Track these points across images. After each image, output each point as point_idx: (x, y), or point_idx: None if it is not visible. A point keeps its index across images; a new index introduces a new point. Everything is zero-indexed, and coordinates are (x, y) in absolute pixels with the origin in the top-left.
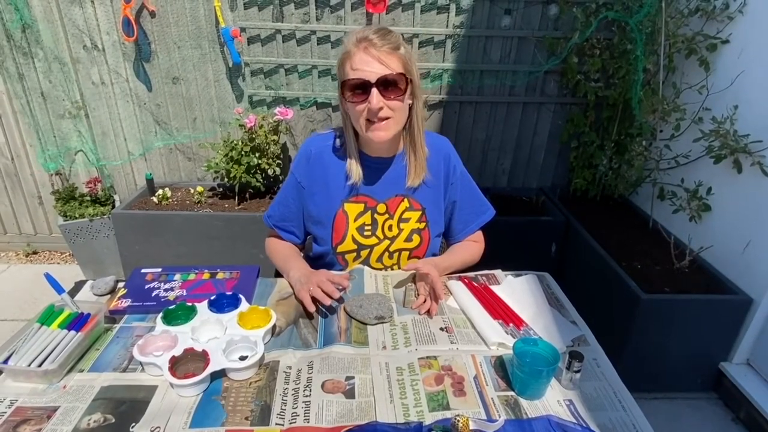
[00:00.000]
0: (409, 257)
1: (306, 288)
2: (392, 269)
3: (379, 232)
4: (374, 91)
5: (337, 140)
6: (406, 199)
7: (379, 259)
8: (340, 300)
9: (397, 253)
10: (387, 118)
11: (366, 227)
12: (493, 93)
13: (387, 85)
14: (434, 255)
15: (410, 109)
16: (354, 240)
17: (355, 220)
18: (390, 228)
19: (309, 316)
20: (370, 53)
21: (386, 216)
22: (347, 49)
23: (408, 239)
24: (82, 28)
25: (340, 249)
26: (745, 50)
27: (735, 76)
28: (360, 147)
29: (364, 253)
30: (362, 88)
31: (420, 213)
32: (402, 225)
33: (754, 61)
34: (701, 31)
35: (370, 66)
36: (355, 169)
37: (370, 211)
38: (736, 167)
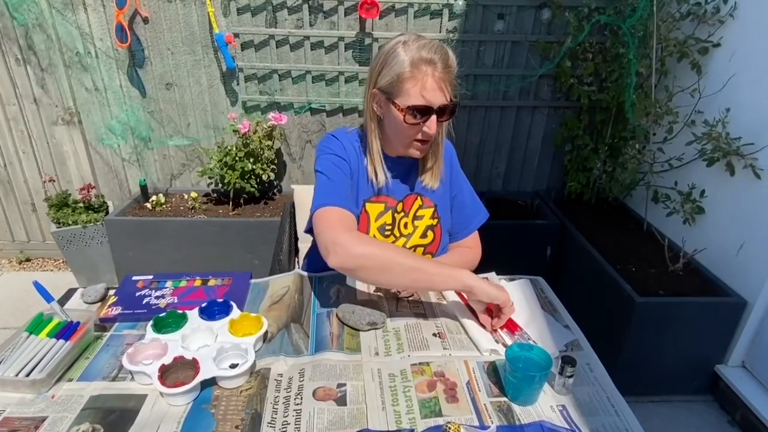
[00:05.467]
0: (423, 254)
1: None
2: None
3: (396, 230)
4: (434, 118)
5: (359, 140)
6: (419, 197)
7: None
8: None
9: (413, 250)
10: (431, 140)
11: (387, 226)
12: (486, 97)
13: (444, 112)
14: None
15: None
16: None
17: (376, 220)
18: (405, 226)
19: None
20: (434, 80)
21: (402, 214)
22: (408, 68)
23: (423, 236)
24: (75, 34)
25: None
26: (736, 53)
27: (726, 79)
28: (382, 147)
29: None
30: (425, 113)
31: (432, 210)
32: (416, 222)
33: (745, 64)
34: (693, 34)
35: (435, 95)
36: (380, 172)
37: (390, 211)
38: (728, 170)
